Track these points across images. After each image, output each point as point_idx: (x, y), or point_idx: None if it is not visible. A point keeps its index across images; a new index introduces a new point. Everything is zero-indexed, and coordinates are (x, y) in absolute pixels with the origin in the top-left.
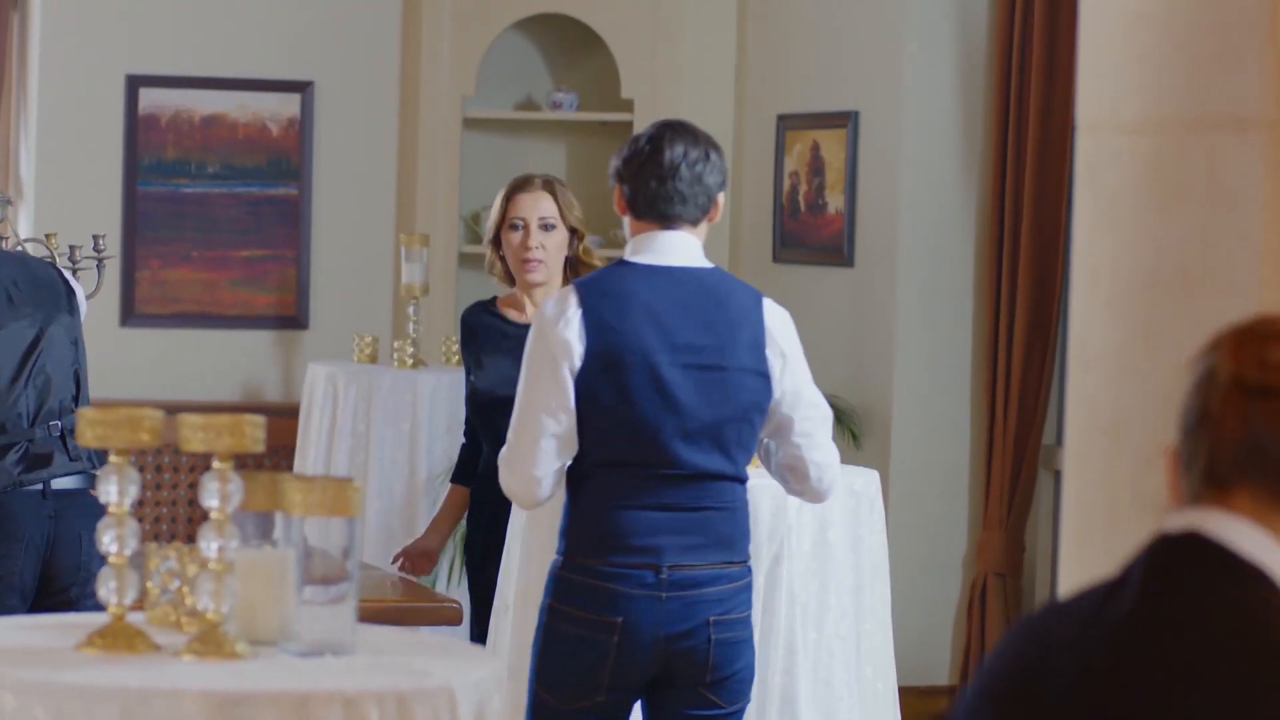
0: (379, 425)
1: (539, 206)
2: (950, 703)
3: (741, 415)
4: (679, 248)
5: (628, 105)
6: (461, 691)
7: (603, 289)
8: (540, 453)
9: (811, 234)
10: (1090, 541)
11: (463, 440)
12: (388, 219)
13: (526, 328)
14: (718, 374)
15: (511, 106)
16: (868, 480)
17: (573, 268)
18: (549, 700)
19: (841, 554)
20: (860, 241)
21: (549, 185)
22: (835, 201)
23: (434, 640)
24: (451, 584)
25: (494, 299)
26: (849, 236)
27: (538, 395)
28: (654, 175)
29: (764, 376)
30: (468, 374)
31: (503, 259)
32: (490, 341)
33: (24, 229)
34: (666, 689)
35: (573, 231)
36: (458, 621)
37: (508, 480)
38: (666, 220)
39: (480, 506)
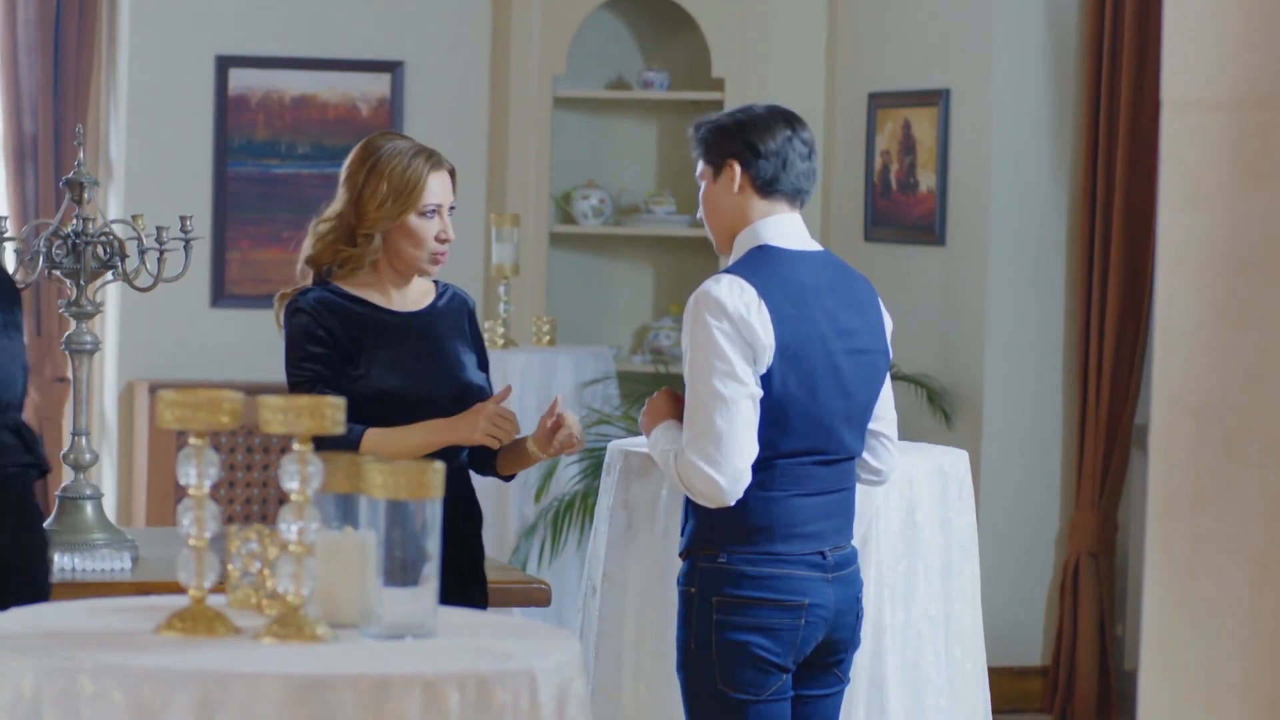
0: None
1: (449, 189)
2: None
3: (875, 396)
4: (801, 229)
5: (718, 84)
6: (543, 674)
7: (770, 277)
8: (748, 442)
9: (903, 213)
10: (1175, 522)
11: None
12: (478, 199)
13: (406, 316)
14: (869, 357)
15: (602, 86)
16: (956, 460)
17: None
18: (739, 698)
19: (930, 535)
20: (951, 220)
21: (446, 161)
22: (926, 180)
23: (515, 622)
24: (541, 565)
25: (327, 284)
26: (940, 215)
27: (737, 384)
28: (799, 154)
29: (888, 356)
30: (328, 363)
31: (367, 237)
32: (381, 332)
33: (114, 210)
34: (804, 670)
35: None
36: (546, 603)
37: (709, 474)
38: (795, 198)
39: None
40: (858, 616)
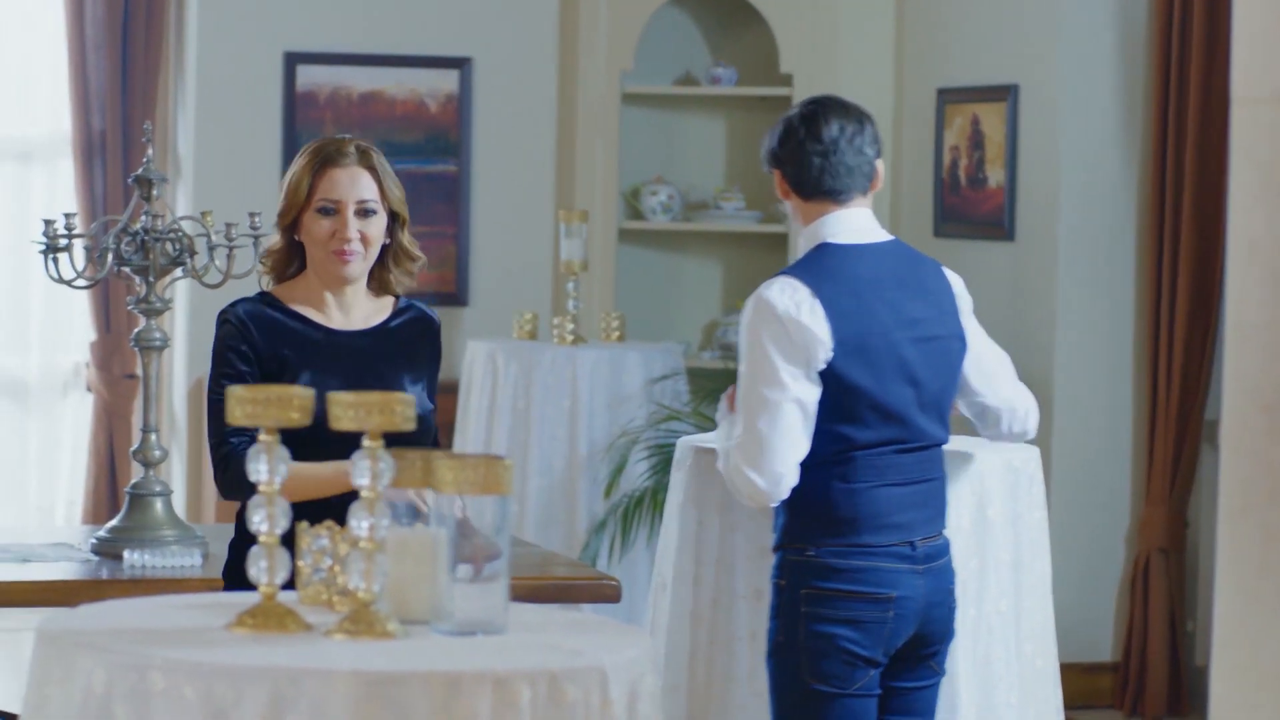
0: (539, 402)
1: (357, 186)
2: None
3: (952, 381)
4: (865, 222)
5: (787, 80)
6: (614, 671)
7: (826, 274)
8: (791, 446)
9: (972, 208)
10: (1246, 517)
11: (240, 445)
12: (547, 195)
13: (343, 335)
14: (938, 343)
15: (670, 82)
16: (1027, 456)
17: (396, 261)
18: (825, 690)
19: (1000, 531)
20: (1021, 215)
21: (367, 157)
22: (996, 175)
23: (587, 619)
24: (613, 560)
25: (262, 294)
26: (1009, 210)
27: (780, 389)
28: (815, 153)
29: (962, 340)
30: (245, 380)
31: (294, 244)
32: (308, 350)
33: (182, 207)
34: (898, 662)
35: (393, 216)
36: (616, 599)
37: (750, 478)
38: (837, 195)
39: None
40: (950, 609)
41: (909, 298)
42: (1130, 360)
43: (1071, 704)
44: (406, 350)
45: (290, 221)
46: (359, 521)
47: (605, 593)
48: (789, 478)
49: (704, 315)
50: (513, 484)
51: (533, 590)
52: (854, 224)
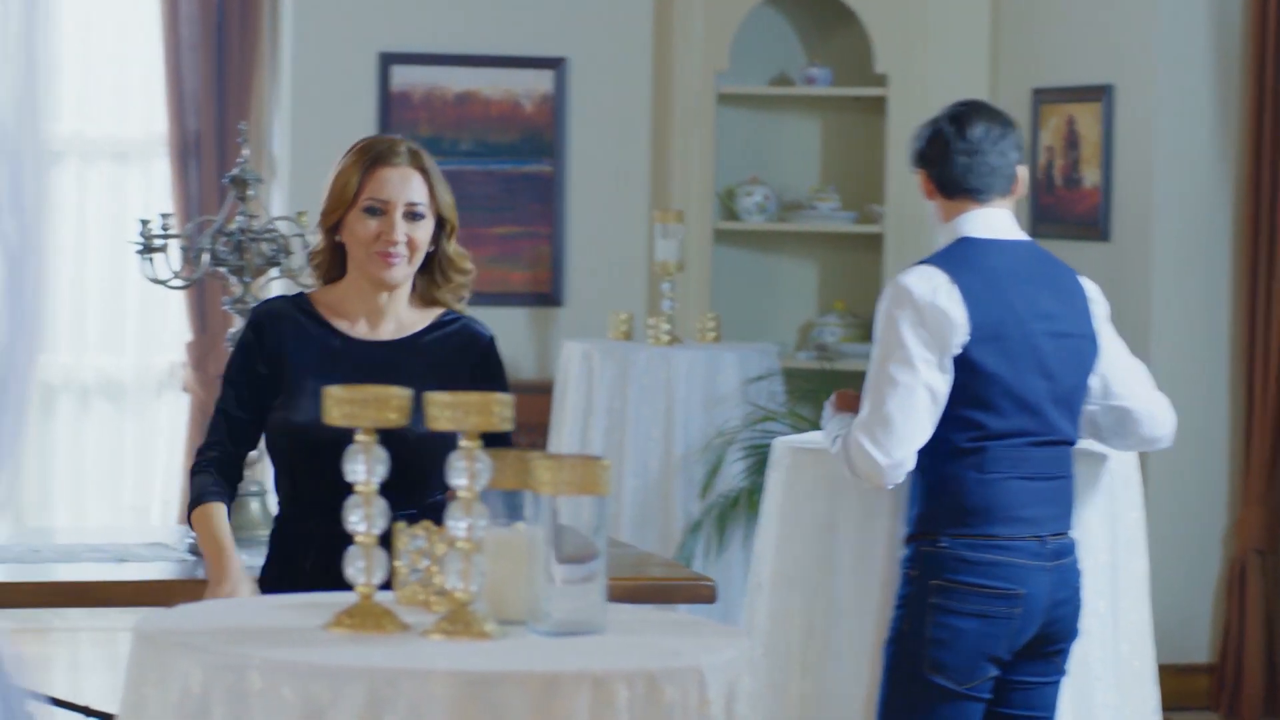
0: (634, 402)
1: (407, 188)
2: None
3: (1084, 381)
4: (1004, 221)
5: (881, 80)
6: (711, 671)
7: (963, 263)
8: (915, 431)
9: (1067, 208)
10: None
11: (196, 466)
12: (642, 195)
13: (363, 345)
14: (1070, 341)
15: (765, 82)
16: (1125, 457)
17: (441, 272)
18: (940, 683)
19: (1097, 531)
20: (1116, 215)
21: (418, 158)
22: (1091, 176)
23: (685, 619)
24: (708, 560)
25: (300, 295)
26: (1105, 211)
27: (912, 372)
28: (962, 153)
29: (1094, 342)
30: (248, 385)
31: (337, 246)
32: (318, 358)
33: (276, 207)
34: (1020, 658)
35: (441, 223)
36: (711, 600)
37: (872, 455)
38: (979, 195)
39: (283, 559)
40: (1076, 607)
41: (1043, 293)
42: (1226, 360)
43: (1167, 705)
44: (437, 365)
45: (334, 222)
46: (456, 521)
47: (700, 593)
48: (908, 462)
49: (799, 316)
50: (610, 484)
51: (628, 591)
52: (993, 221)
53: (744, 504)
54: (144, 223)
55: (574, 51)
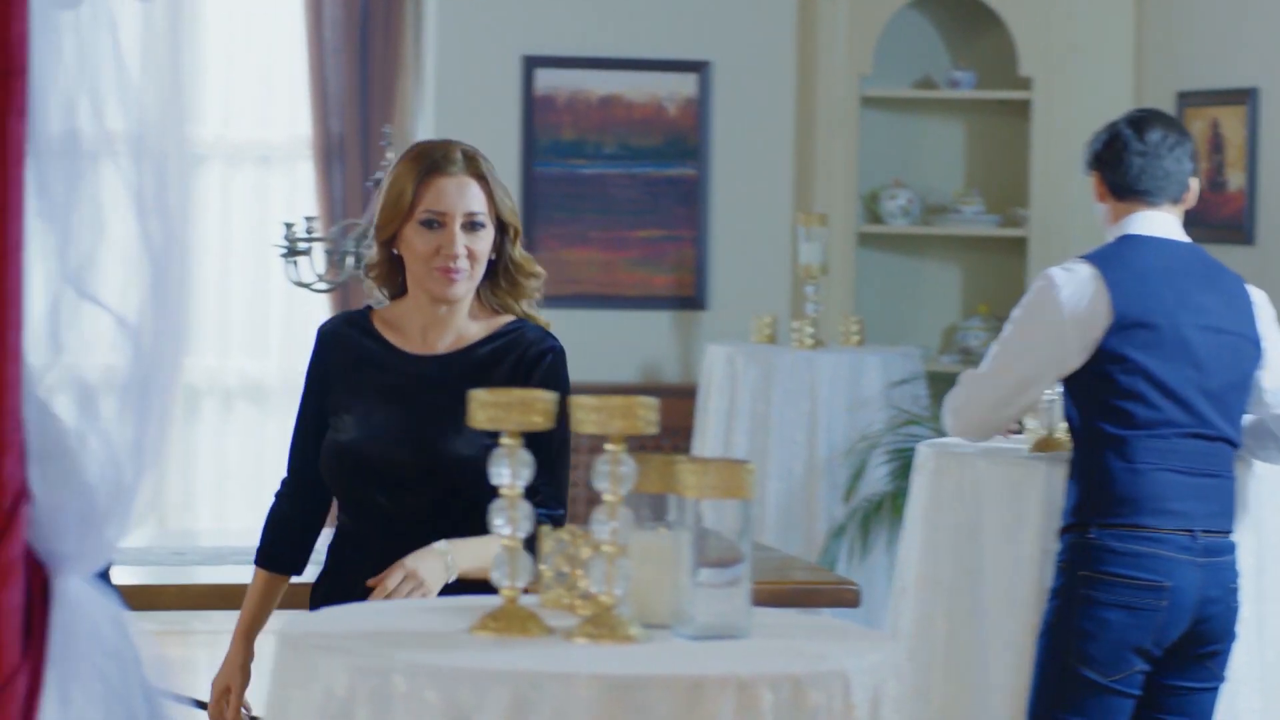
0: (778, 406)
1: (465, 197)
2: None
3: (1242, 381)
4: (1170, 224)
5: (1025, 83)
6: (856, 675)
7: (1116, 258)
8: (995, 403)
9: (1212, 211)
10: None
11: (274, 501)
12: (785, 199)
13: (414, 359)
14: (1226, 337)
15: (909, 85)
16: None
17: (508, 278)
18: (1087, 675)
19: (1242, 537)
20: (1262, 219)
21: (474, 164)
22: (1236, 179)
23: (830, 623)
24: (852, 564)
25: (367, 310)
26: (1250, 214)
27: (1030, 354)
28: (1137, 155)
29: (1256, 344)
30: (311, 410)
31: (395, 258)
32: (367, 377)
33: None
34: (1173, 659)
35: (503, 228)
36: (855, 604)
37: (950, 404)
38: (1149, 198)
39: (336, 575)
40: (1231, 609)
41: (1198, 289)
42: None
43: None
44: (485, 378)
45: (390, 235)
46: (601, 525)
47: (845, 597)
48: (979, 429)
49: (943, 319)
50: (754, 488)
51: (772, 594)
52: (1157, 223)
53: (888, 507)
54: (288, 226)
55: (718, 55)
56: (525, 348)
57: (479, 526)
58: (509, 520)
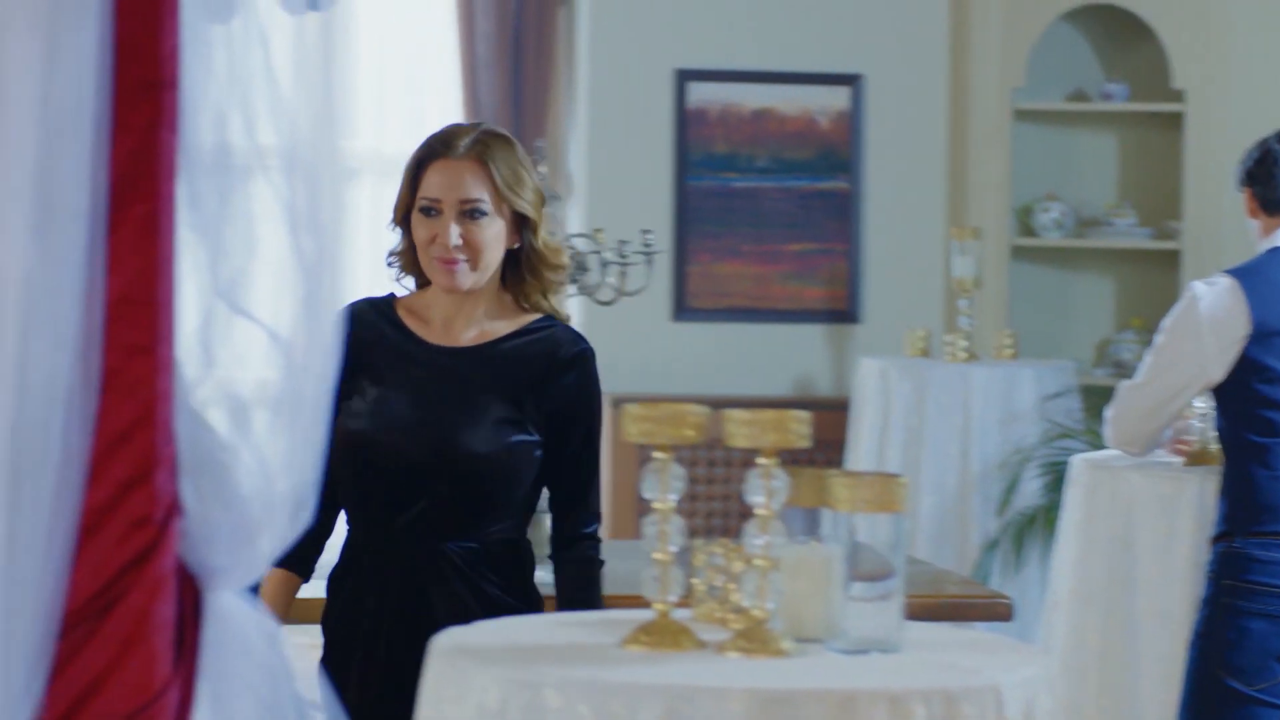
0: (931, 420)
1: (462, 184)
2: None
3: None
4: None
5: (1179, 96)
6: (1009, 690)
7: (1260, 271)
8: (1145, 414)
9: None
10: None
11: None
12: (938, 212)
13: (433, 350)
14: None
15: (1062, 98)
16: None
17: (530, 269)
18: (1231, 684)
19: None
20: None
21: (480, 149)
22: None
23: (982, 637)
24: (1005, 578)
25: (391, 297)
26: None
27: (1175, 365)
28: None
29: None
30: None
31: (413, 245)
32: (385, 362)
33: (574, 224)
34: None
35: (521, 219)
36: (1008, 618)
37: (1109, 417)
38: None
39: (344, 603)
40: None
41: None
42: None
43: None
44: (506, 375)
45: (400, 221)
46: (753, 539)
47: (997, 611)
48: (1133, 441)
49: (1096, 332)
50: (907, 502)
51: (925, 608)
52: None
53: (1041, 521)
54: None
55: (870, 68)
56: (556, 347)
57: (484, 529)
58: (660, 534)
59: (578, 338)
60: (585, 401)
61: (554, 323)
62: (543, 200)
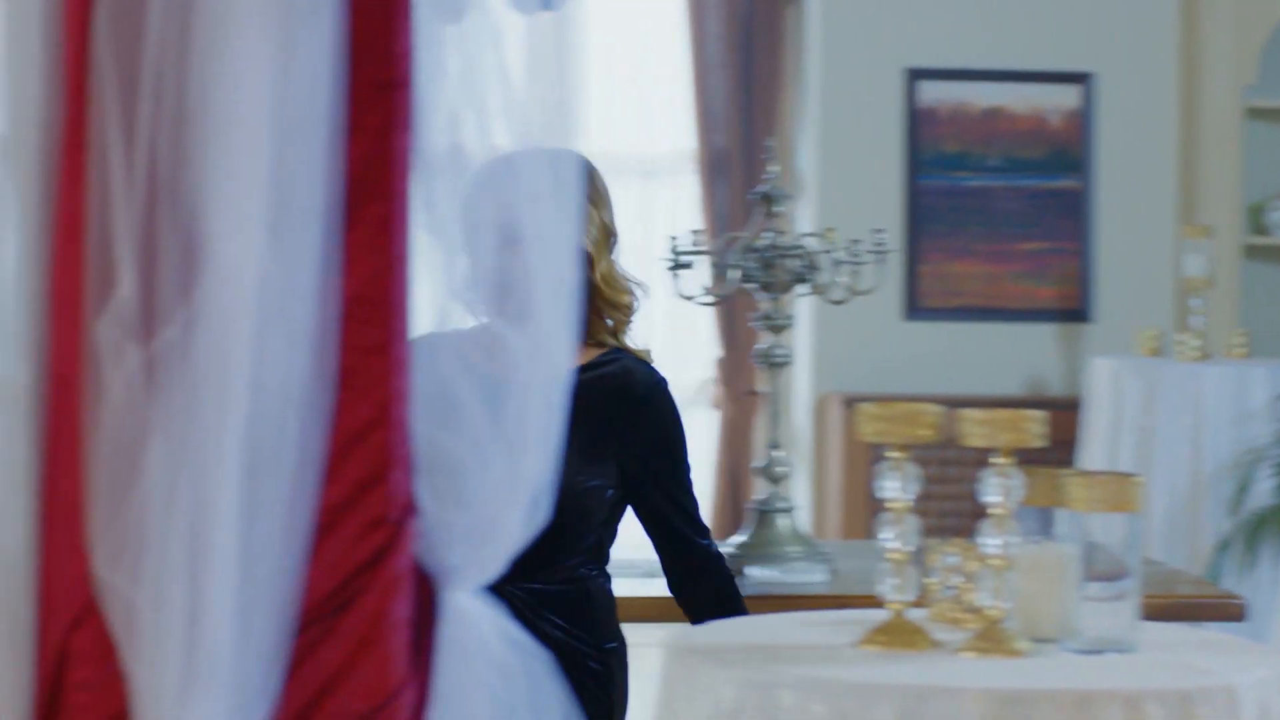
0: (1163, 419)
1: None
2: None
3: None
4: None
5: None
6: (1243, 691)
7: None
8: None
9: None
10: None
11: None
12: (1169, 211)
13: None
14: None
15: None
16: None
17: (591, 305)
18: None
19: None
20: None
21: None
22: None
23: (1216, 637)
24: (1238, 578)
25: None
26: None
27: None
28: None
29: None
30: None
31: None
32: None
33: (804, 224)
34: None
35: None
36: (1241, 618)
37: None
38: None
39: None
40: None
41: None
42: None
43: None
44: (584, 409)
45: None
46: (988, 539)
47: (1230, 611)
48: None
49: None
50: (1142, 502)
51: (1158, 608)
52: None
53: (1274, 521)
54: (674, 239)
55: (1100, 66)
56: (629, 379)
57: (558, 566)
58: (898, 535)
59: (651, 370)
60: (665, 434)
61: (622, 354)
62: (609, 236)
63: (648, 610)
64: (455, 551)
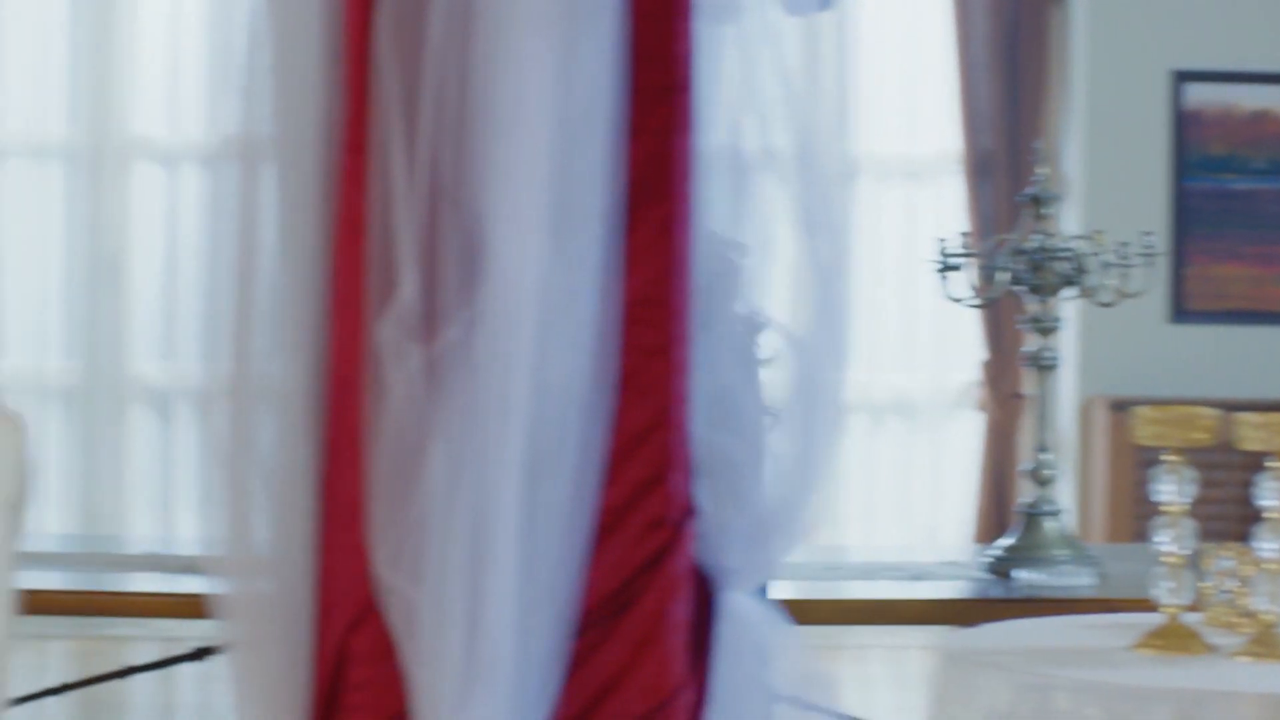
0: None
1: None
2: None
3: None
4: None
5: None
6: None
7: None
8: None
9: None
10: None
11: None
12: None
13: None
14: None
15: None
16: None
17: None
18: None
19: None
20: None
21: None
22: None
23: None
24: None
25: None
26: None
27: None
28: None
29: None
30: None
31: None
32: None
33: (1071, 226)
34: None
35: None
36: None
37: None
38: None
39: None
40: None
41: None
42: None
43: None
44: None
45: None
46: (1264, 543)
47: None
48: None
49: None
50: None
51: None
52: None
53: None
54: (942, 241)
55: None
56: None
57: None
58: (1174, 538)
59: None
60: None
61: None
62: None
63: (914, 612)
64: (733, 553)
